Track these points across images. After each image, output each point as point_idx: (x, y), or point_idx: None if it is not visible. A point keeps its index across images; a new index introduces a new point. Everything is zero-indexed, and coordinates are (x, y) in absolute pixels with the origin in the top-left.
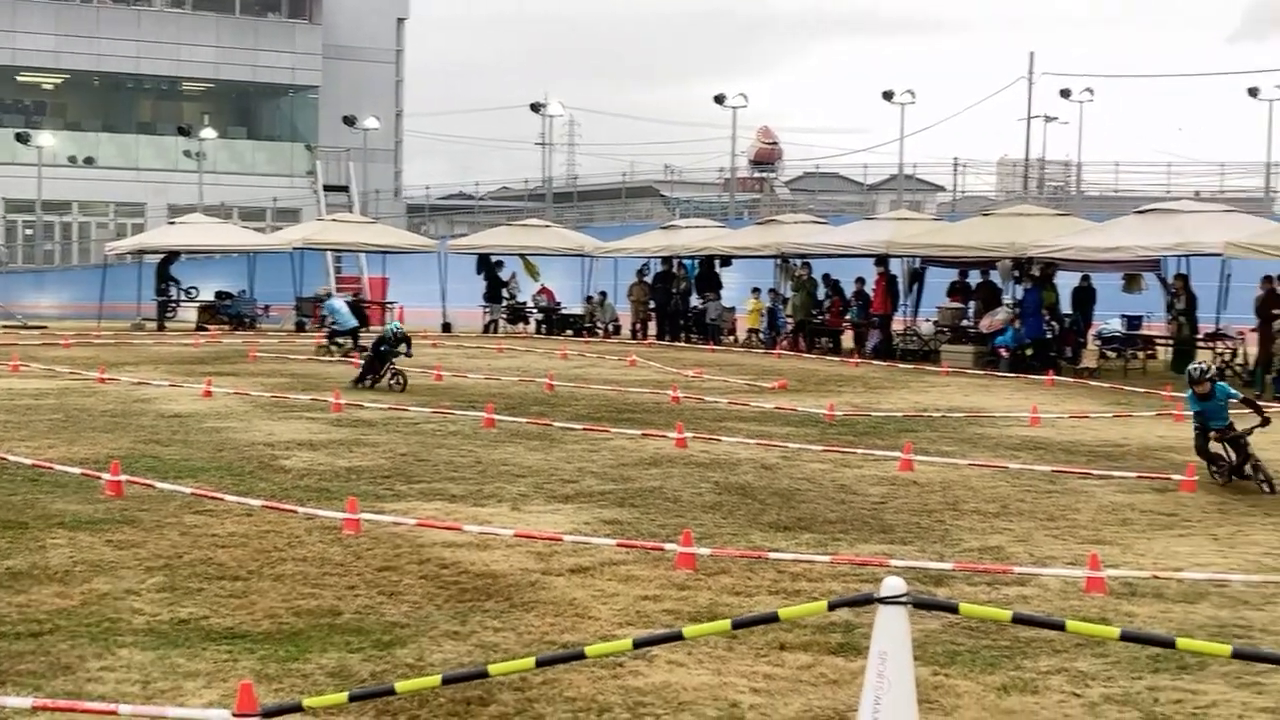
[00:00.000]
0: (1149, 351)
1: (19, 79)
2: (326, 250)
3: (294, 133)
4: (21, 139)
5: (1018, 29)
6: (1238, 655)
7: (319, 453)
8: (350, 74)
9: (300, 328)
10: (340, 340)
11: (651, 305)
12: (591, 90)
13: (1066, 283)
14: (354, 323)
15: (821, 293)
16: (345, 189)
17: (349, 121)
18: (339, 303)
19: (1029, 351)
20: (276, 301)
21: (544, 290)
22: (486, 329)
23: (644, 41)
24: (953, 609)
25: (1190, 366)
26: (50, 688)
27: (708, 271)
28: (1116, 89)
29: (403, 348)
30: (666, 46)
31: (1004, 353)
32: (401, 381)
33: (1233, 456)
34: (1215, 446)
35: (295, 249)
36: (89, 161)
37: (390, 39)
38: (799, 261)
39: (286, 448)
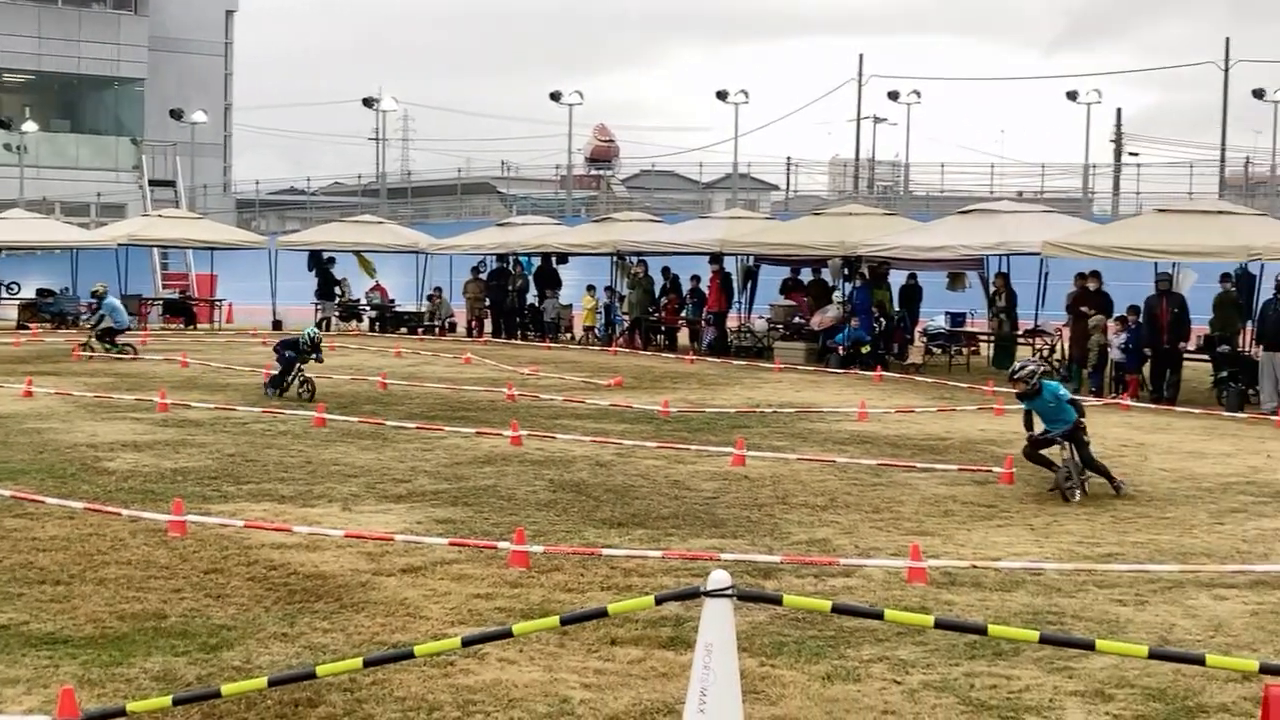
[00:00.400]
0: (972, 348)
1: None
2: (153, 247)
3: (119, 126)
4: None
5: (849, 33)
6: (1045, 640)
7: (144, 454)
8: (178, 66)
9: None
10: (110, 341)
11: (488, 303)
12: (426, 85)
13: (894, 281)
14: (128, 323)
15: (658, 288)
16: (172, 184)
17: (176, 115)
18: (117, 301)
19: (865, 349)
20: None
21: (378, 287)
22: (318, 326)
23: (480, 36)
24: (776, 600)
25: (1012, 366)
26: None
27: (546, 269)
28: (943, 92)
29: (314, 355)
30: (503, 42)
31: (840, 350)
32: (310, 389)
33: (1075, 456)
34: (1054, 450)
35: (120, 245)
36: None
37: (219, 31)
38: (635, 259)
39: (110, 449)
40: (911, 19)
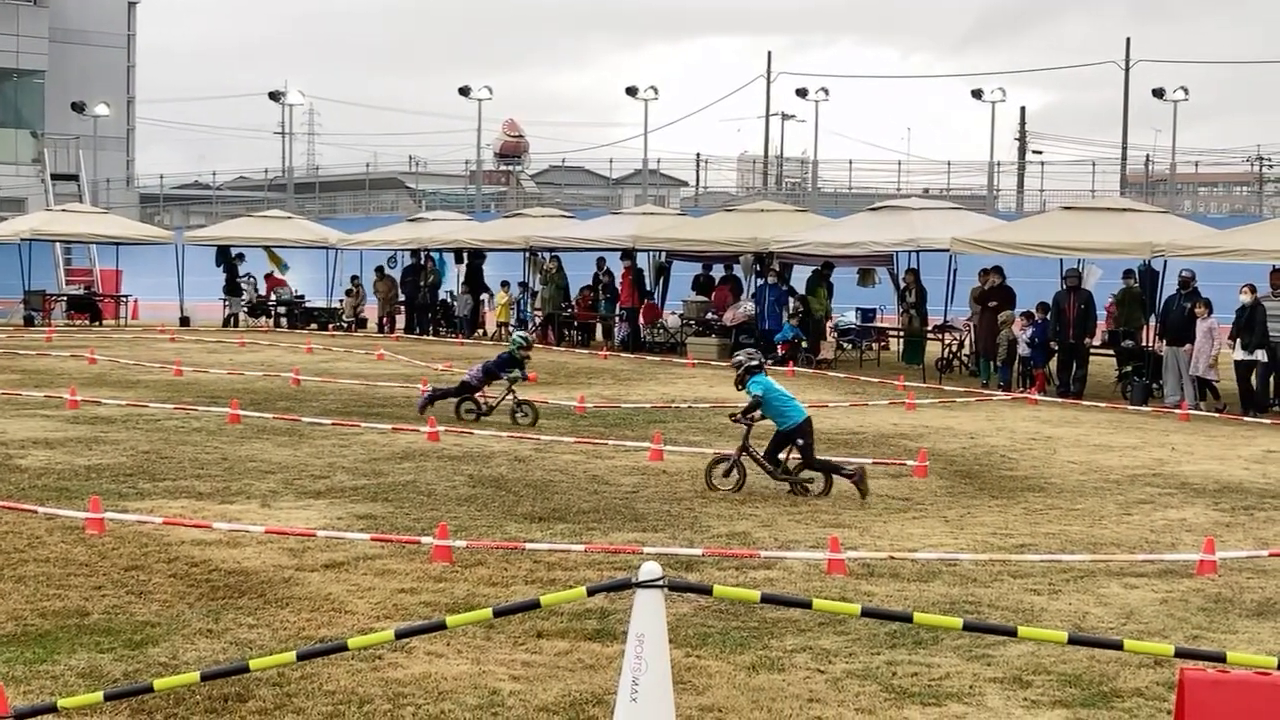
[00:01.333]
0: (882, 343)
1: None
2: (56, 242)
3: (19, 119)
4: None
5: (759, 31)
6: (968, 628)
7: (56, 451)
8: (79, 58)
9: (29, 322)
10: None
11: (400, 299)
12: (334, 79)
13: (802, 277)
14: None
15: (575, 288)
16: (75, 178)
17: (78, 108)
18: None
19: (804, 344)
20: (2, 295)
21: (275, 281)
22: (226, 323)
23: (389, 31)
24: (706, 591)
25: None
26: None
27: (475, 269)
28: (851, 90)
29: (515, 372)
30: (413, 37)
31: (781, 348)
32: (532, 414)
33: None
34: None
35: (23, 240)
36: None
37: (121, 23)
38: (548, 255)
39: (21, 446)
40: (821, 18)
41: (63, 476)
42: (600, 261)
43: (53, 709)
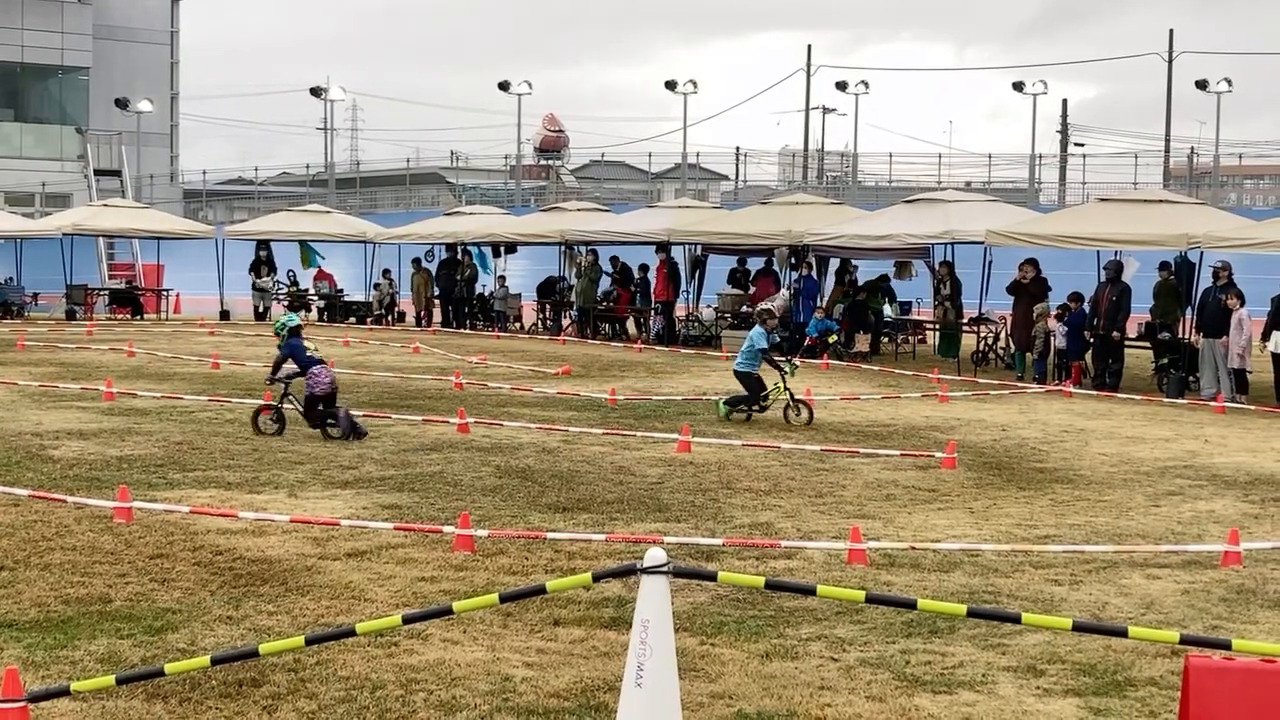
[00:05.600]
0: (918, 336)
1: None
2: (98, 236)
3: (63, 115)
4: None
5: (801, 26)
6: (972, 614)
7: (89, 442)
8: (123, 55)
9: (71, 316)
10: None
11: (436, 292)
12: (376, 75)
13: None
14: None
15: (607, 282)
16: (118, 173)
17: (121, 104)
18: None
19: (833, 339)
20: (45, 289)
21: (322, 275)
22: (260, 317)
23: (431, 27)
24: (711, 577)
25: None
26: None
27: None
28: (892, 83)
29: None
30: (455, 32)
31: (809, 341)
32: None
33: None
34: None
35: (65, 235)
36: None
37: (165, 20)
38: (584, 249)
39: (56, 437)
40: (878, 13)
41: (94, 467)
42: (614, 260)
43: (66, 692)
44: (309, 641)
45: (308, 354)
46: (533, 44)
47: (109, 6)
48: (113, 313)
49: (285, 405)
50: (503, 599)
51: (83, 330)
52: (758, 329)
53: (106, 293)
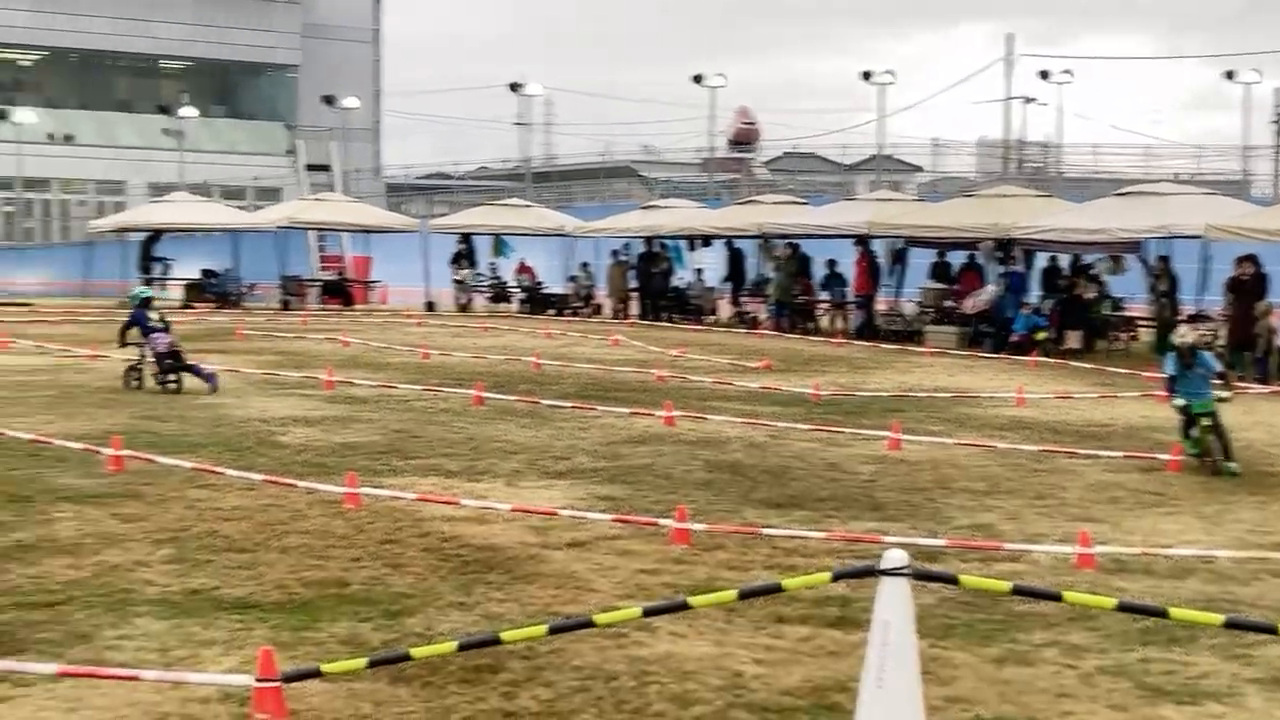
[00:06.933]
0: (1131, 333)
1: None
2: (309, 229)
3: (274, 112)
4: (0, 116)
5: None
6: (1230, 625)
7: (314, 429)
8: (329, 53)
9: (285, 306)
10: None
11: (633, 285)
12: (570, 69)
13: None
14: None
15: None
16: (327, 168)
17: (329, 101)
18: None
19: (1040, 335)
20: (261, 280)
21: (524, 269)
22: (461, 308)
23: (623, 20)
24: (953, 580)
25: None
26: (70, 655)
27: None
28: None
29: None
30: (647, 25)
31: (1016, 337)
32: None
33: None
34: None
35: (279, 228)
36: (68, 139)
37: (368, 18)
38: (781, 242)
39: (282, 424)
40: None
41: (320, 453)
42: (793, 249)
43: (317, 673)
44: (551, 631)
45: (149, 323)
46: (726, 37)
47: (316, 5)
48: (324, 303)
49: (145, 365)
50: (741, 595)
51: (297, 320)
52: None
53: (319, 284)
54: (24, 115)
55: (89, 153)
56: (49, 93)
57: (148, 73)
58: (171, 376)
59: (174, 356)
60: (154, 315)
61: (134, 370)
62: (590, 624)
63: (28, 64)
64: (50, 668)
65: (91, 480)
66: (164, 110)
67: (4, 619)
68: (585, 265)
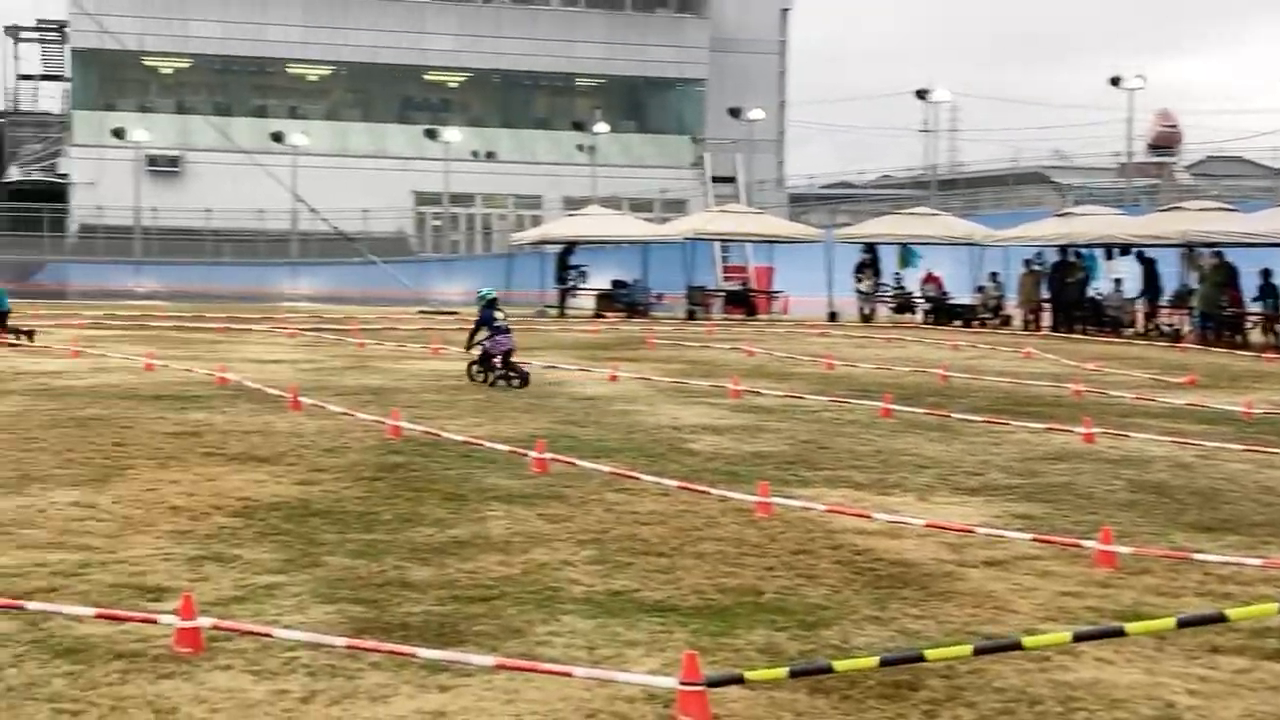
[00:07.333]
0: None
1: (426, 78)
2: (714, 240)
3: (680, 125)
4: (430, 135)
5: None
6: None
7: (723, 437)
8: (735, 65)
9: (691, 316)
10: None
11: (1045, 296)
12: (977, 73)
13: None
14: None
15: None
16: (732, 180)
17: (734, 113)
18: None
19: None
20: (668, 290)
21: (931, 279)
22: (864, 318)
23: (1026, 21)
24: None
25: None
26: (505, 648)
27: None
28: None
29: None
30: (1056, 27)
31: None
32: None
33: None
34: None
35: (686, 240)
36: (490, 156)
37: (774, 29)
38: (1206, 251)
39: (692, 431)
40: None
41: (730, 461)
42: (1220, 256)
43: (739, 680)
44: (977, 652)
45: (496, 323)
46: (1145, 37)
47: (724, 19)
48: (727, 313)
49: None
50: (1180, 624)
51: (703, 329)
52: None
53: (722, 294)
54: (450, 134)
55: (509, 168)
56: (473, 112)
57: (564, 91)
58: (513, 374)
59: (507, 354)
60: (499, 315)
61: (476, 365)
62: (1018, 646)
63: (454, 85)
64: (488, 660)
65: (518, 481)
66: (578, 126)
67: (444, 611)
68: (994, 275)
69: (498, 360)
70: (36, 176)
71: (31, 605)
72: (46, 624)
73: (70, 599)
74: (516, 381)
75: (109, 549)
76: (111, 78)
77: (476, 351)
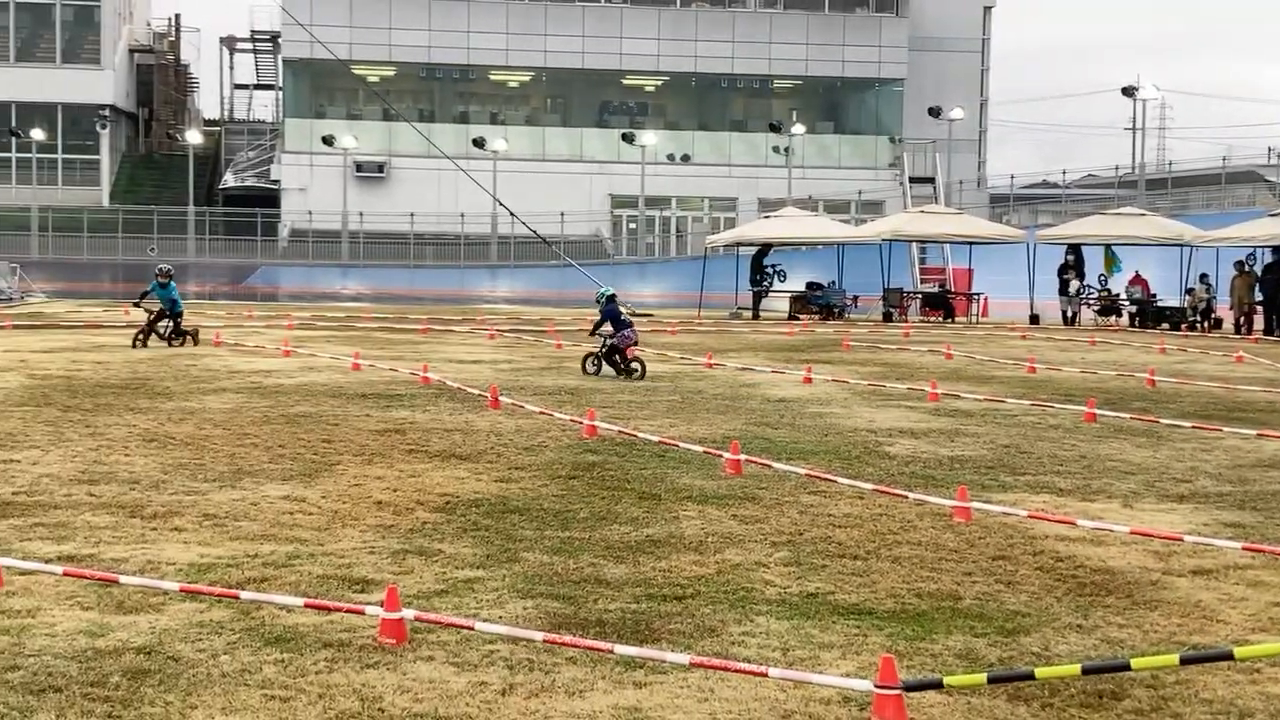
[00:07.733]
0: None
1: (625, 82)
2: (912, 241)
3: (878, 125)
4: (626, 138)
5: None
6: None
7: (920, 441)
8: (934, 64)
9: (888, 318)
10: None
11: (1259, 298)
12: (1188, 70)
13: None
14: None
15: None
16: (931, 180)
17: (934, 113)
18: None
19: None
20: (864, 292)
21: (1138, 281)
22: (1068, 321)
23: (1242, 15)
24: None
25: None
26: (699, 647)
27: None
28: None
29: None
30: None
31: None
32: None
33: None
34: None
35: (883, 240)
36: (685, 159)
37: (976, 27)
38: None
39: (888, 434)
40: None
41: (928, 465)
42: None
43: (938, 685)
44: (1183, 661)
45: (621, 318)
46: None
47: (924, 18)
48: (925, 315)
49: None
50: None
51: (899, 332)
52: None
53: (919, 295)
54: (646, 138)
55: (704, 171)
56: (669, 115)
57: (760, 93)
58: (634, 365)
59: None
60: (624, 309)
61: (592, 358)
62: (1229, 656)
63: (651, 89)
64: (683, 658)
65: (712, 482)
66: (774, 128)
67: (639, 609)
68: (1204, 277)
69: (630, 351)
70: (250, 182)
71: (245, 595)
72: (258, 613)
73: (281, 589)
74: (638, 373)
75: (317, 541)
76: (321, 86)
77: (596, 343)
